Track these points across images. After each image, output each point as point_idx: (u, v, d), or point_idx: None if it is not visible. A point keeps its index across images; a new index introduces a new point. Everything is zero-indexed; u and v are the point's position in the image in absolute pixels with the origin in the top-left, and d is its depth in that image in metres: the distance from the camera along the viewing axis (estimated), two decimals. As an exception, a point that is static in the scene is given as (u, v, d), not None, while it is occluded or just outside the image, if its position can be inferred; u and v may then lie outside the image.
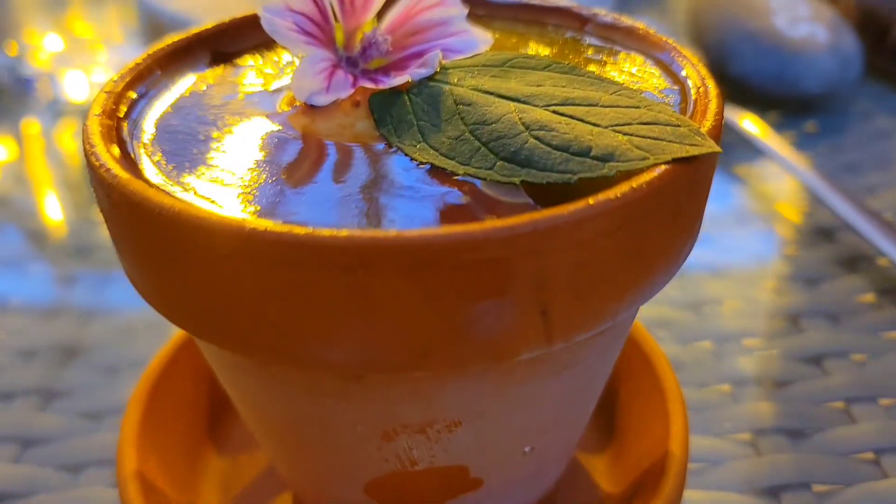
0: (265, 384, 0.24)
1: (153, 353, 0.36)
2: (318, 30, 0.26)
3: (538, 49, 0.29)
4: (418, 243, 0.18)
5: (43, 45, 0.62)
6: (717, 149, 0.21)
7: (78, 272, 0.46)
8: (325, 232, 0.19)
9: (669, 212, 0.21)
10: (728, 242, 0.47)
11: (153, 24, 0.53)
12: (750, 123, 0.54)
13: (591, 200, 0.19)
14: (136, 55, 0.28)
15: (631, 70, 0.27)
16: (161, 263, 0.21)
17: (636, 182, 0.20)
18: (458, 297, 0.19)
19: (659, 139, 0.22)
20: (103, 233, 0.49)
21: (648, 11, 0.78)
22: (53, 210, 0.51)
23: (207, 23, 0.30)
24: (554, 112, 0.23)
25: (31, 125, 0.61)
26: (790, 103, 0.59)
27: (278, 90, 0.27)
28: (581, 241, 0.19)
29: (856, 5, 0.63)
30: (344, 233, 0.19)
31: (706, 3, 0.62)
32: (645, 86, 0.26)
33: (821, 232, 0.47)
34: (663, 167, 0.21)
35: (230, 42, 0.29)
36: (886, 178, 0.52)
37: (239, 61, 0.29)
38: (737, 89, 0.60)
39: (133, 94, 0.26)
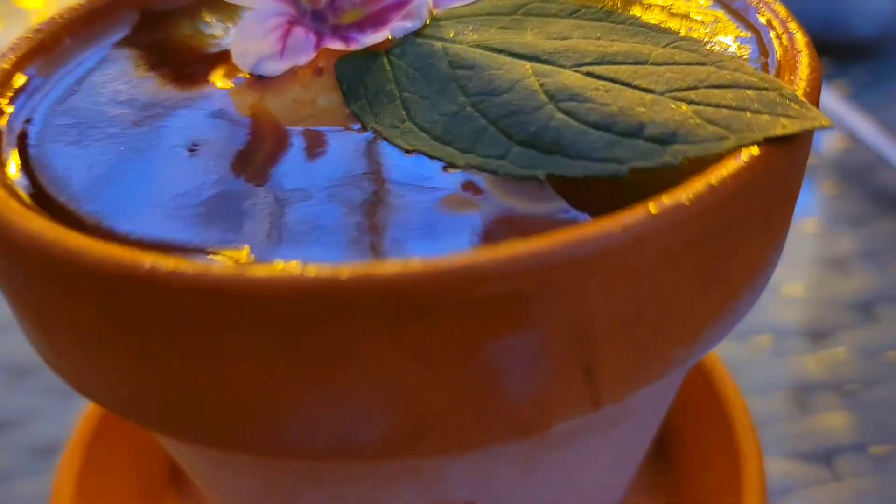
0: (216, 466, 0.18)
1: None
2: (269, -24, 0.20)
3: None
4: (401, 283, 0.12)
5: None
6: (826, 121, 0.15)
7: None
8: (260, 271, 0.12)
9: (760, 214, 0.15)
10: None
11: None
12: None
13: (652, 208, 0.13)
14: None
15: (686, 12, 0.20)
16: (43, 311, 0.15)
17: (716, 176, 0.14)
18: (464, 354, 0.13)
19: (740, 109, 0.15)
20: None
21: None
22: None
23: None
24: (588, 74, 0.17)
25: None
26: (840, 49, 0.52)
27: (218, 57, 0.20)
28: (639, 269, 0.13)
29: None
30: (290, 270, 0.12)
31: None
32: (706, 33, 0.19)
33: (889, 199, 0.41)
34: (752, 151, 0.14)
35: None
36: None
37: (172, 21, 0.23)
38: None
39: (30, 70, 0.19)
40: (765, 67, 0.18)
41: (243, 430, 0.14)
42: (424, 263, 0.12)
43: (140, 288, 0.13)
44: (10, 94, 0.19)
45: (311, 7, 0.20)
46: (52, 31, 0.21)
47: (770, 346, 0.33)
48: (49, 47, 0.20)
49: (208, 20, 0.23)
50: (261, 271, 0.12)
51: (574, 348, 0.13)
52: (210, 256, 0.14)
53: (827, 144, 0.45)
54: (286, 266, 0.12)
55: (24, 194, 0.16)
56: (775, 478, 0.28)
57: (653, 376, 0.15)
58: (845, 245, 0.38)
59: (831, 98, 0.45)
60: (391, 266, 0.12)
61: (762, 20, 0.19)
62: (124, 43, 0.21)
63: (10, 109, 0.18)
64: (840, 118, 0.43)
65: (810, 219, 0.40)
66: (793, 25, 0.18)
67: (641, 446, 0.20)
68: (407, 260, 0.12)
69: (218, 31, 0.22)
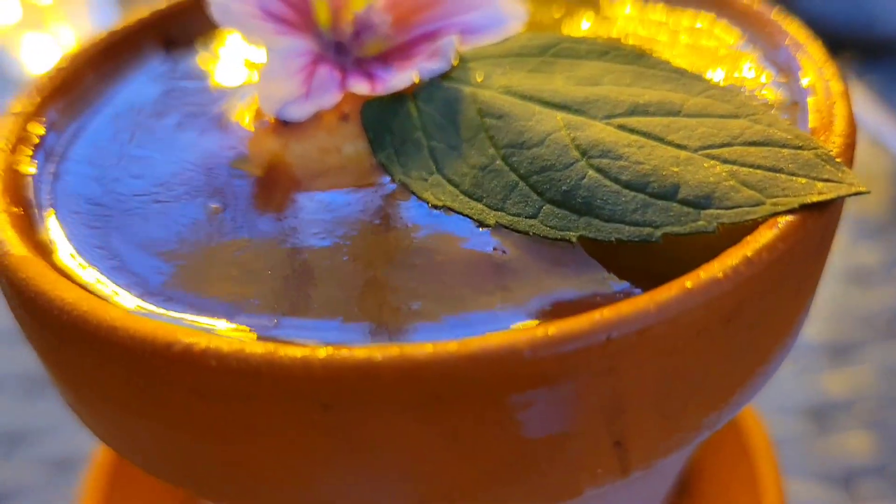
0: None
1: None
2: (293, 11, 0.19)
3: (589, 21, 0.22)
4: (432, 369, 0.12)
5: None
6: (863, 188, 0.14)
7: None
8: (292, 353, 0.12)
9: (794, 281, 0.15)
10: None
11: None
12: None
13: (688, 283, 0.13)
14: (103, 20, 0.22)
15: (717, 52, 0.20)
16: (74, 375, 0.15)
17: (751, 248, 0.14)
18: (497, 433, 0.13)
19: (775, 170, 0.15)
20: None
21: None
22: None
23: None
24: (620, 128, 0.16)
25: None
26: (864, 47, 0.51)
27: (242, 94, 0.20)
28: (672, 346, 0.13)
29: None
30: (319, 353, 0.12)
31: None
32: (740, 78, 0.19)
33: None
34: (786, 221, 0.14)
35: (181, 27, 0.23)
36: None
37: (194, 53, 0.22)
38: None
39: (37, 126, 0.19)
40: (794, 116, 0.17)
41: (271, 495, 0.14)
42: (458, 346, 0.12)
43: (174, 364, 0.13)
44: (36, 141, 0.18)
45: (335, 39, 0.20)
46: (75, 67, 0.21)
47: (789, 364, 0.33)
48: (72, 85, 0.20)
49: (229, 52, 0.22)
50: (294, 352, 0.12)
51: (606, 424, 0.13)
52: (239, 327, 0.14)
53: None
54: (318, 347, 0.12)
55: (56, 255, 0.16)
56: (793, 501, 0.28)
57: (682, 444, 0.15)
58: (868, 256, 0.38)
59: (858, 98, 0.44)
60: (423, 349, 0.12)
61: (796, 62, 0.19)
62: (145, 81, 0.21)
63: (32, 166, 0.18)
64: (864, 121, 0.42)
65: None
66: (828, 71, 0.18)
67: (665, 487, 0.20)
68: (438, 343, 0.12)
69: (241, 66, 0.21)
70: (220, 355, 0.12)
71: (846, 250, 0.38)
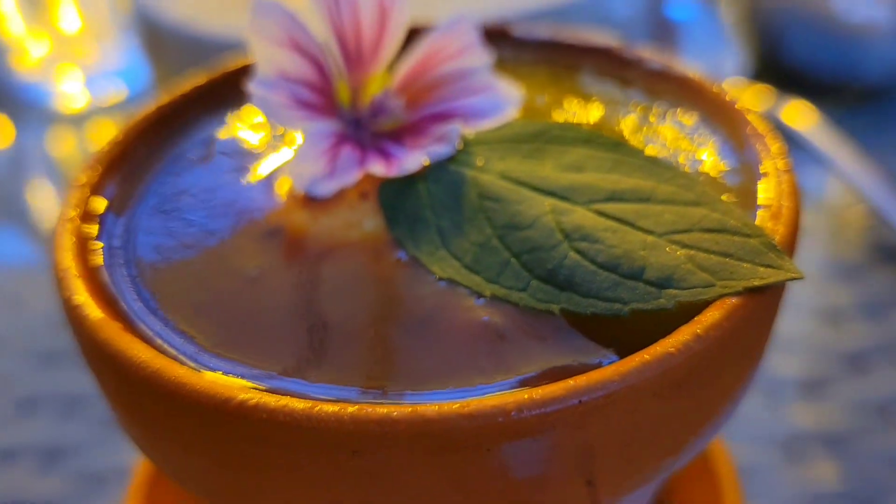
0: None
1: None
2: (318, 95, 0.23)
3: (575, 107, 0.25)
4: (438, 424, 0.15)
5: (29, 47, 0.59)
6: (799, 274, 0.18)
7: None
8: (327, 409, 0.15)
9: (739, 353, 0.18)
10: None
11: (150, 32, 0.49)
12: (797, 117, 0.50)
13: (647, 356, 0.16)
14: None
15: (684, 139, 0.23)
16: (132, 416, 0.18)
17: (701, 327, 0.17)
18: (488, 480, 0.16)
19: (726, 256, 0.18)
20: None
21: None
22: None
23: (196, 77, 0.26)
24: (598, 213, 0.19)
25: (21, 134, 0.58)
26: (849, 93, 0.54)
27: (277, 169, 0.23)
28: (633, 406, 0.16)
29: (920, -22, 0.58)
30: (350, 410, 0.15)
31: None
32: (703, 163, 0.22)
33: (886, 251, 0.43)
34: (732, 301, 0.17)
35: (223, 100, 0.26)
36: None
37: (233, 122, 0.25)
38: (792, 79, 0.55)
39: (99, 200, 0.22)
40: (748, 198, 0.20)
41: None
42: (459, 406, 0.15)
43: (231, 416, 0.16)
44: (101, 211, 0.22)
45: (354, 116, 0.23)
46: (129, 140, 0.24)
47: (762, 397, 0.36)
48: (127, 158, 0.23)
49: (266, 126, 0.26)
50: (328, 408, 0.15)
51: (579, 467, 0.16)
52: (280, 383, 0.17)
53: (826, 193, 0.48)
54: (348, 404, 0.15)
55: (125, 317, 0.19)
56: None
57: (644, 482, 0.18)
58: (840, 297, 0.41)
59: (834, 146, 0.47)
60: (431, 408, 0.15)
61: (751, 148, 0.22)
62: (190, 151, 0.24)
63: (99, 235, 0.21)
64: (843, 167, 0.45)
65: (806, 271, 0.43)
66: (782, 164, 0.21)
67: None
68: (444, 403, 0.15)
69: (277, 140, 0.25)
70: (268, 409, 0.15)
71: (820, 291, 0.41)
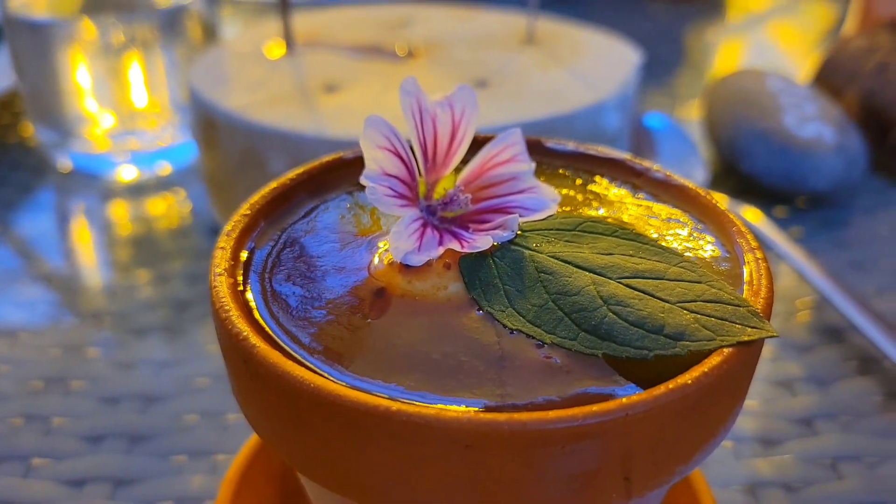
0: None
1: (210, 442, 0.38)
2: (408, 189, 0.29)
3: (601, 204, 0.32)
4: (531, 427, 0.22)
5: (94, 121, 0.65)
6: (775, 333, 0.25)
7: (133, 358, 0.49)
8: (451, 413, 0.22)
9: (731, 388, 0.25)
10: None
11: (204, 119, 0.56)
12: (756, 219, 0.58)
13: (670, 385, 0.23)
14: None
15: (685, 232, 0.30)
16: (291, 424, 0.24)
17: (707, 366, 0.23)
18: (560, 469, 0.22)
19: (722, 319, 0.25)
20: (151, 317, 0.52)
21: (664, 102, 0.82)
22: (105, 298, 0.54)
23: (300, 167, 0.33)
24: (627, 286, 0.26)
25: (83, 206, 0.63)
26: (799, 199, 0.63)
27: (374, 242, 0.30)
28: (661, 422, 0.23)
29: (860, 103, 0.67)
30: (466, 415, 0.22)
31: (721, 101, 0.66)
32: (700, 252, 0.29)
33: (830, 331, 0.51)
34: (728, 350, 0.24)
35: (322, 186, 0.33)
36: (892, 278, 0.56)
37: (333, 205, 0.32)
38: (749, 185, 0.64)
39: (244, 252, 0.29)
40: (736, 282, 0.28)
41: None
42: (540, 416, 0.22)
43: (379, 419, 0.22)
44: (241, 265, 0.28)
45: (428, 204, 0.30)
46: (252, 214, 0.30)
47: (731, 449, 0.43)
48: (252, 228, 0.30)
49: (353, 201, 0.32)
50: (450, 413, 0.22)
51: (621, 466, 0.23)
52: (408, 396, 0.23)
53: (782, 283, 0.56)
54: (464, 411, 0.22)
55: (281, 346, 0.25)
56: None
57: (664, 482, 0.24)
58: (793, 368, 0.48)
59: (788, 243, 0.55)
60: (520, 417, 0.22)
61: (737, 245, 0.29)
62: (304, 224, 0.31)
63: (246, 283, 0.28)
64: (793, 261, 0.53)
65: (765, 347, 0.50)
66: (759, 254, 0.28)
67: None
68: (530, 414, 0.22)
69: (376, 222, 0.31)
70: (407, 413, 0.22)
71: (777, 364, 0.49)
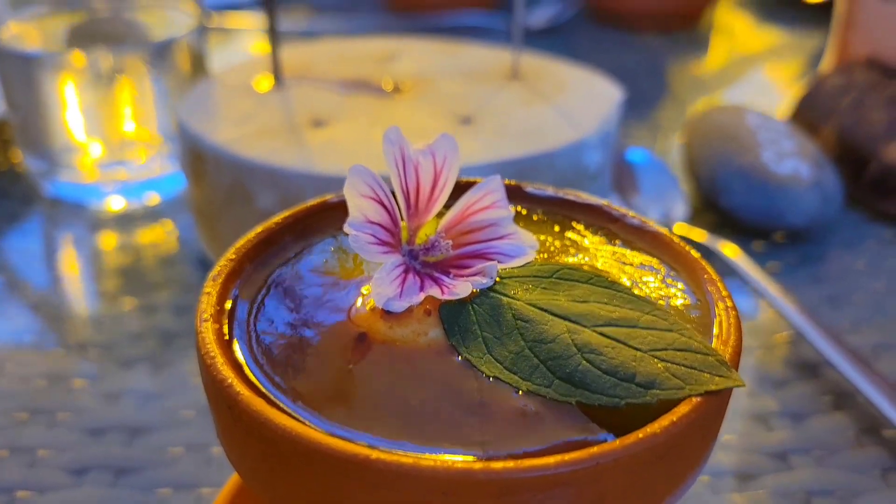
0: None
1: (195, 475, 0.39)
2: (390, 235, 0.30)
3: (578, 250, 0.33)
4: (505, 476, 0.22)
5: (83, 151, 0.66)
6: (742, 383, 0.26)
7: (119, 389, 0.49)
8: (428, 462, 0.23)
9: (700, 435, 0.25)
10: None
11: (192, 152, 0.56)
12: (734, 254, 0.59)
13: (640, 434, 0.24)
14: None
15: (658, 279, 0.31)
16: (273, 470, 0.25)
17: (676, 415, 0.24)
18: (533, 517, 0.23)
19: (692, 368, 0.26)
20: (138, 348, 0.52)
21: (646, 136, 0.84)
22: (93, 328, 0.55)
23: (285, 211, 0.34)
24: (601, 334, 0.27)
25: (71, 236, 0.64)
26: (777, 234, 0.64)
27: (357, 287, 0.31)
28: (632, 469, 0.24)
29: (836, 139, 0.69)
30: (443, 463, 0.23)
31: (700, 136, 0.67)
32: (672, 299, 0.30)
33: (806, 366, 0.52)
34: (696, 399, 0.25)
35: (307, 229, 0.34)
36: (866, 313, 0.57)
37: (318, 249, 0.33)
38: (728, 219, 0.65)
39: (229, 297, 0.30)
40: (705, 330, 0.29)
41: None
42: (515, 464, 0.23)
43: (358, 467, 0.23)
44: (227, 310, 0.29)
45: (410, 248, 0.31)
46: (238, 259, 0.31)
47: (708, 483, 0.44)
48: (238, 273, 0.31)
49: (337, 246, 0.33)
50: (426, 461, 0.22)
51: (592, 511, 0.24)
52: (386, 444, 0.24)
53: (759, 318, 0.57)
54: (439, 460, 0.23)
55: (265, 394, 0.26)
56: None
57: (635, 527, 0.25)
58: (769, 403, 0.49)
59: (765, 278, 0.56)
60: (499, 467, 0.22)
61: (708, 293, 0.30)
62: (291, 268, 0.32)
63: (230, 330, 0.28)
64: (770, 297, 0.54)
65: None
66: (729, 304, 0.29)
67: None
68: (506, 464, 0.23)
69: (359, 268, 0.32)
70: (385, 461, 0.23)
71: (752, 398, 0.50)
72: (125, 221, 0.65)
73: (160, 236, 0.64)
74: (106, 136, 0.65)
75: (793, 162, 0.63)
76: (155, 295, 0.57)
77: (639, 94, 0.90)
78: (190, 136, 0.56)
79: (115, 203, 0.66)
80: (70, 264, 0.62)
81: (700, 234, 0.61)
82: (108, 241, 0.63)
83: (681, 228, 0.62)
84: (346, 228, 0.29)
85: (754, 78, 1.01)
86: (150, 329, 0.54)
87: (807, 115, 0.72)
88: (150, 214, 0.66)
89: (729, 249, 0.59)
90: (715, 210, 0.66)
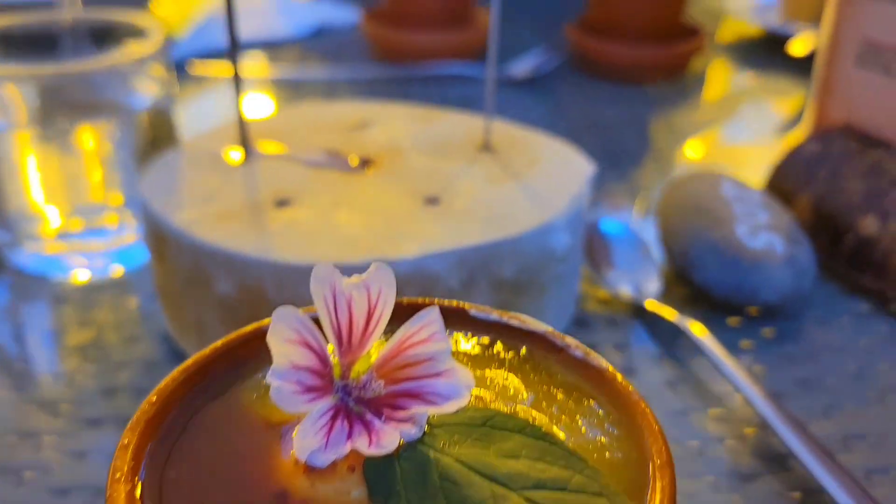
0: None
1: None
2: (319, 379, 0.29)
3: (515, 389, 0.32)
4: None
5: (47, 222, 0.65)
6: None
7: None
8: None
9: None
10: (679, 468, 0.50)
11: (153, 231, 0.56)
12: (703, 334, 0.58)
13: None
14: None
15: (596, 427, 0.30)
16: None
17: None
18: None
19: (618, 544, 0.25)
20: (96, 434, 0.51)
21: (624, 195, 0.83)
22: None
23: (219, 340, 0.33)
24: (527, 499, 0.26)
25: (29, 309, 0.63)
26: (749, 312, 0.63)
27: (284, 434, 0.30)
28: None
29: (812, 208, 0.68)
30: None
31: (674, 207, 0.66)
32: (608, 451, 0.29)
33: (774, 458, 0.51)
34: (624, 582, 0.24)
35: (239, 360, 0.33)
36: (838, 398, 0.56)
37: (248, 384, 0.32)
38: (700, 294, 0.64)
39: (146, 450, 0.29)
40: (641, 485, 0.28)
41: None
42: None
43: None
44: (144, 466, 0.28)
45: (343, 384, 0.30)
46: (160, 405, 0.30)
47: None
48: (161, 418, 0.30)
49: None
50: None
51: None
52: None
53: (728, 405, 0.56)
54: None
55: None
56: None
57: None
58: (735, 501, 0.48)
59: (732, 362, 0.55)
60: None
61: (648, 445, 0.29)
62: (216, 407, 0.31)
63: (146, 484, 0.27)
64: (738, 382, 0.53)
65: (710, 474, 0.50)
66: (668, 458, 0.28)
67: None
68: None
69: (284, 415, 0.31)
70: None
71: (719, 494, 0.49)
72: (89, 293, 0.64)
73: (122, 311, 0.63)
74: (69, 206, 0.64)
75: (767, 236, 0.62)
76: (116, 375, 0.56)
77: (620, 148, 0.89)
78: (151, 214, 0.55)
79: (80, 275, 0.65)
80: (32, 342, 0.61)
81: (670, 313, 0.60)
82: (69, 315, 0.62)
83: (651, 305, 0.61)
84: (268, 379, 0.28)
85: (739, 131, 1.00)
86: (109, 413, 0.53)
87: (783, 182, 0.71)
88: (115, 286, 0.65)
89: (698, 329, 0.58)
90: (689, 284, 0.65)
